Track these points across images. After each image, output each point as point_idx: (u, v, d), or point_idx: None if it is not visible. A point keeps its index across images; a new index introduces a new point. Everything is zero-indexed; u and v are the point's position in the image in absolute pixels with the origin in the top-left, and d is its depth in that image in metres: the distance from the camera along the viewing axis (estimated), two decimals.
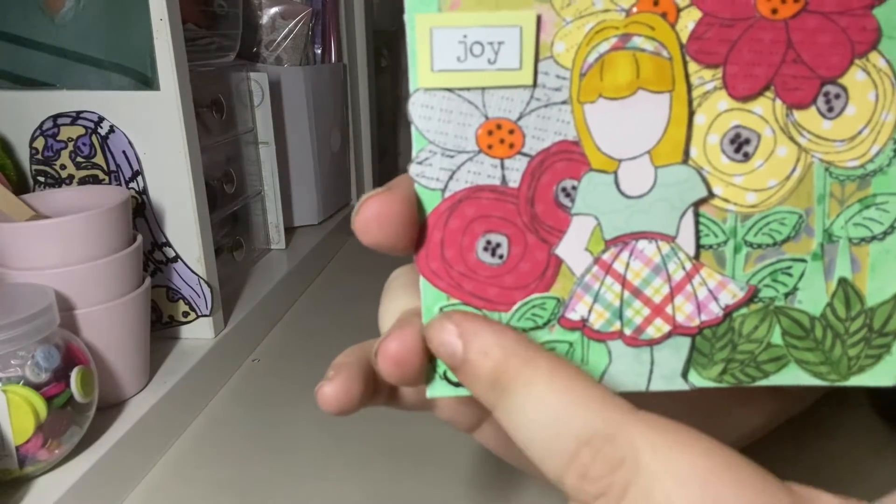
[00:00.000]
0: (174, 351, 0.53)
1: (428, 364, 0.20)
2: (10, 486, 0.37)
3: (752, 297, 0.19)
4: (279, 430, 0.49)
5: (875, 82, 0.18)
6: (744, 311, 0.19)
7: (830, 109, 0.18)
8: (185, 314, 0.55)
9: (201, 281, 0.53)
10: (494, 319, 0.19)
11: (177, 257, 0.53)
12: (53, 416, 0.37)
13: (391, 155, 1.31)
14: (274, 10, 0.79)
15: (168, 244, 0.53)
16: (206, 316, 0.54)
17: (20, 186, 0.52)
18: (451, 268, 0.19)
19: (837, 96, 0.18)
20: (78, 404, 0.39)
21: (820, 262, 0.19)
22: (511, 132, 0.18)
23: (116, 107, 0.50)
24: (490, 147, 0.18)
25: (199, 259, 0.53)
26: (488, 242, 0.19)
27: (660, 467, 0.16)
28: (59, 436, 0.38)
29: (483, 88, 0.18)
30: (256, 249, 0.74)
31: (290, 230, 0.82)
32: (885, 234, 0.19)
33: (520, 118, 0.18)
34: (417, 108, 0.18)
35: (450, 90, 0.18)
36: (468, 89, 0.18)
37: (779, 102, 0.18)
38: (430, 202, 0.19)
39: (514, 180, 0.19)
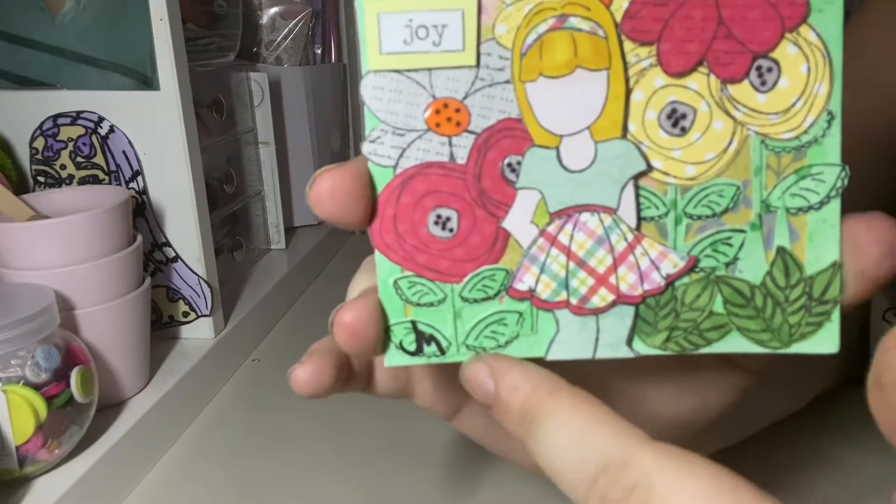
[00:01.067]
0: (174, 351, 0.53)
1: (384, 334, 0.21)
2: (10, 486, 0.37)
3: (692, 266, 0.20)
4: (279, 430, 0.49)
5: (806, 55, 0.18)
6: (686, 280, 0.20)
7: (763, 83, 0.18)
8: (185, 314, 0.55)
9: (201, 281, 0.53)
10: (447, 291, 0.20)
11: (177, 257, 0.53)
12: (53, 416, 0.37)
13: None
14: (274, 10, 0.79)
15: (168, 244, 0.53)
16: (206, 316, 0.54)
17: (20, 186, 0.52)
18: (405, 241, 0.20)
19: (770, 70, 0.18)
20: (78, 404, 0.39)
21: (759, 232, 0.19)
22: (457, 111, 0.19)
23: (116, 107, 0.50)
24: (438, 125, 0.19)
25: (199, 259, 0.53)
26: (438, 216, 0.20)
27: (669, 491, 0.17)
28: (59, 436, 0.38)
29: (430, 70, 0.19)
30: (256, 249, 0.74)
31: (290, 230, 0.82)
32: (822, 203, 0.19)
33: (465, 97, 0.19)
34: (368, 90, 0.19)
35: (398, 72, 0.19)
36: (416, 70, 0.19)
37: (713, 77, 0.18)
38: (383, 179, 0.20)
39: (462, 157, 0.19)
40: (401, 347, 0.21)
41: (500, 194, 0.20)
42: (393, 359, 0.21)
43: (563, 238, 0.20)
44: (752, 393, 0.27)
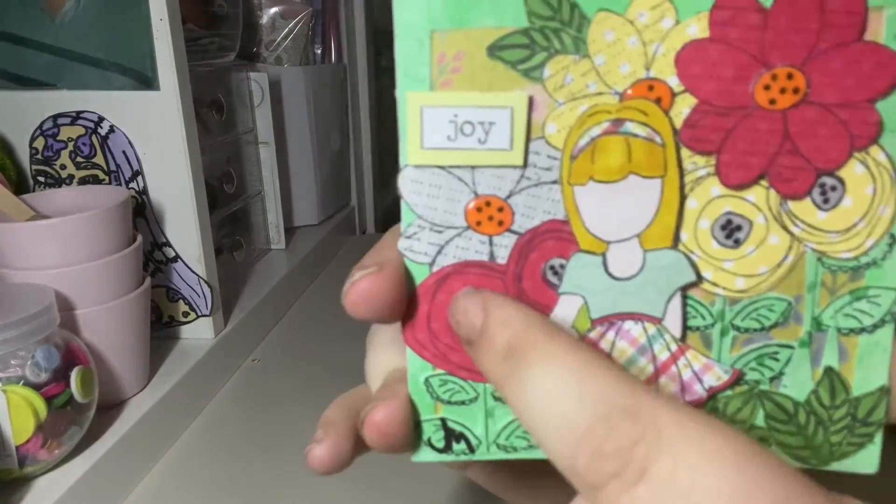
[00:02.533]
0: (174, 351, 0.53)
1: (413, 431, 0.20)
2: (10, 486, 0.37)
3: (736, 380, 0.19)
4: (279, 430, 0.49)
5: (873, 176, 0.17)
6: (728, 392, 0.19)
7: (826, 201, 0.18)
8: (185, 314, 0.55)
9: (201, 281, 0.53)
10: (479, 391, 0.20)
11: (177, 257, 0.53)
12: (53, 416, 0.37)
13: (391, 155, 1.31)
14: (274, 10, 0.79)
15: (168, 244, 0.53)
16: (206, 316, 0.54)
17: (20, 186, 0.52)
18: (438, 339, 0.19)
19: (834, 188, 0.18)
20: (78, 404, 0.39)
21: (807, 349, 0.19)
22: (500, 210, 0.18)
23: (116, 107, 0.50)
24: (479, 223, 0.18)
25: (199, 259, 0.53)
26: None
27: (686, 445, 0.14)
28: (59, 436, 0.38)
29: (473, 167, 0.18)
30: (256, 249, 0.74)
31: (290, 230, 0.82)
32: (875, 326, 0.19)
33: (509, 196, 0.18)
34: (407, 184, 0.18)
35: (440, 167, 0.18)
36: (458, 167, 0.18)
37: (773, 192, 0.18)
38: (419, 275, 0.19)
39: (503, 257, 0.19)
40: (429, 444, 0.20)
41: (540, 297, 0.19)
42: (422, 455, 0.20)
43: (605, 345, 0.19)
44: None
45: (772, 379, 0.19)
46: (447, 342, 0.19)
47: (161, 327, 0.55)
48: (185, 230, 0.52)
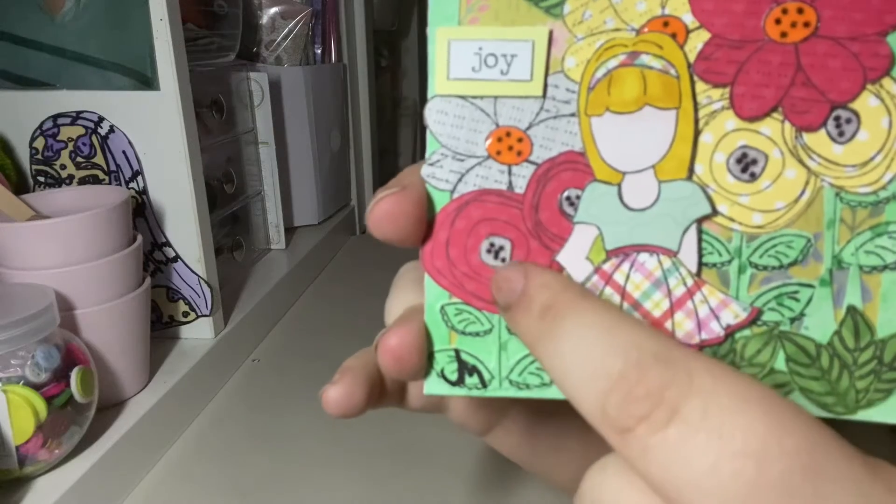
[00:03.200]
0: (174, 351, 0.53)
1: (427, 361, 0.20)
2: (10, 486, 0.37)
3: (755, 318, 0.19)
4: (279, 430, 0.49)
5: (889, 109, 0.17)
6: (746, 332, 0.19)
7: (841, 134, 0.18)
8: (185, 314, 0.55)
9: (201, 281, 0.53)
10: (494, 322, 0.20)
11: (177, 257, 0.53)
12: (53, 416, 0.37)
13: (391, 155, 1.31)
14: (274, 10, 0.79)
15: (168, 244, 0.53)
16: (206, 316, 0.54)
17: (20, 186, 0.52)
18: (455, 267, 0.20)
19: (849, 121, 0.18)
20: (78, 404, 0.39)
21: (828, 288, 0.19)
22: (520, 140, 0.19)
23: (116, 107, 0.50)
24: (499, 153, 0.19)
25: (199, 259, 0.53)
26: (492, 245, 0.19)
27: (717, 388, 0.14)
28: (59, 436, 0.38)
29: (495, 97, 0.19)
30: (256, 249, 0.74)
31: (290, 230, 0.82)
32: None
33: (529, 127, 0.19)
34: (433, 114, 0.19)
35: (463, 97, 0.19)
36: (481, 97, 0.19)
37: (788, 124, 0.18)
38: (440, 202, 0.19)
39: (521, 186, 0.19)
40: (442, 376, 0.20)
41: (556, 227, 0.19)
42: (433, 387, 0.20)
43: (619, 277, 0.19)
44: None
45: (792, 320, 0.19)
46: (464, 270, 0.20)
47: (161, 327, 0.55)
48: (185, 230, 0.52)
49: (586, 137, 0.18)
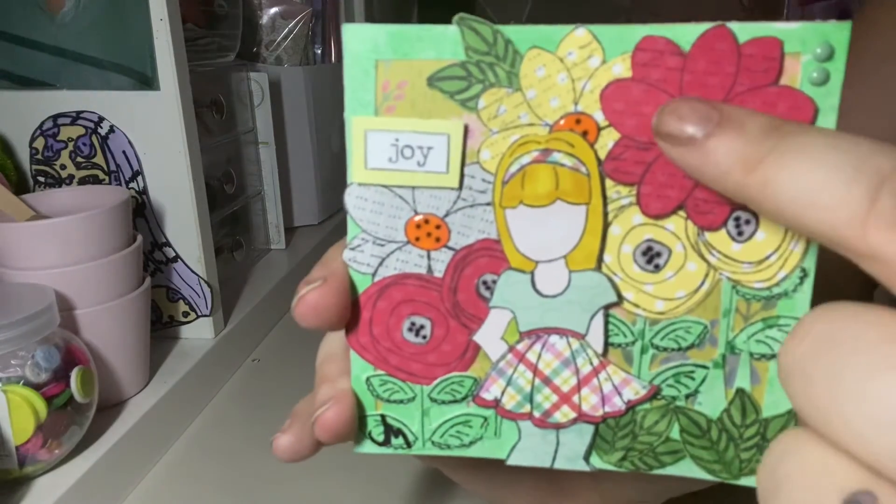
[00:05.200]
0: (174, 351, 0.53)
1: (357, 423, 0.22)
2: (10, 486, 0.37)
3: (654, 395, 0.20)
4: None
5: None
6: (647, 406, 0.20)
7: (740, 233, 0.19)
8: (185, 314, 0.55)
9: (201, 281, 0.53)
10: (416, 391, 0.21)
11: (177, 257, 0.53)
12: (53, 416, 0.37)
13: None
14: (274, 10, 0.79)
15: (168, 244, 0.53)
16: (206, 316, 0.54)
17: (20, 186, 0.52)
18: (378, 343, 0.21)
19: (748, 222, 0.19)
20: (78, 404, 0.39)
21: (721, 370, 0.20)
22: (438, 227, 0.20)
23: (116, 107, 0.50)
24: (418, 239, 0.20)
25: (199, 259, 0.53)
26: (413, 324, 0.21)
27: None
28: (59, 436, 0.38)
29: (413, 187, 0.19)
30: (256, 249, 0.74)
31: (290, 230, 0.82)
32: None
33: (447, 215, 0.20)
34: (353, 199, 0.20)
35: (383, 185, 0.19)
36: (400, 186, 0.19)
37: (690, 222, 0.19)
38: (361, 284, 0.20)
39: (439, 270, 0.20)
40: (370, 437, 0.22)
41: (473, 309, 0.20)
42: (363, 447, 0.22)
43: (531, 356, 0.20)
44: None
45: (687, 396, 0.20)
46: (387, 346, 0.21)
47: (161, 327, 0.55)
48: (185, 230, 0.52)
49: (501, 228, 0.19)
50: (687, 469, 0.21)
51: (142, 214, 0.52)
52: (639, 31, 0.17)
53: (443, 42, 0.18)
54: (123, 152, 0.51)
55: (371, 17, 0.95)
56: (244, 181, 0.73)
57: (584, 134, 0.18)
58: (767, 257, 0.19)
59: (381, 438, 0.22)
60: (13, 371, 0.36)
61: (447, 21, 0.18)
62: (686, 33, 0.17)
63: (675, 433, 0.20)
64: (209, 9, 0.64)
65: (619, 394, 0.20)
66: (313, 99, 0.82)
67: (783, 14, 1.23)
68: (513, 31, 0.18)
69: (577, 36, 0.18)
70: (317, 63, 0.86)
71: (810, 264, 0.18)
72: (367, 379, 0.21)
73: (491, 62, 0.18)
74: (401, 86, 0.19)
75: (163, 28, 0.47)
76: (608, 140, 0.18)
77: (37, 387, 0.37)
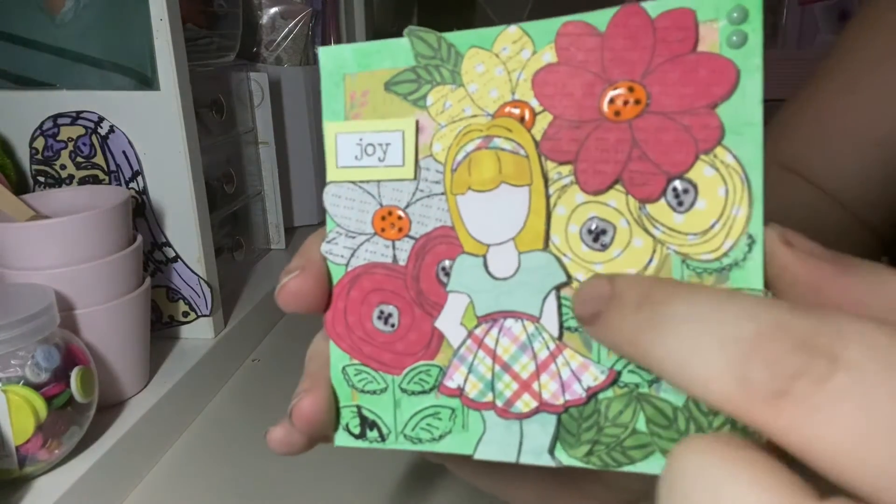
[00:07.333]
0: (174, 351, 0.53)
1: (335, 416, 0.22)
2: (10, 486, 0.37)
3: (613, 380, 0.20)
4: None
5: (724, 177, 0.18)
6: (609, 394, 0.20)
7: (680, 203, 0.19)
8: (185, 314, 0.55)
9: (201, 281, 0.53)
10: (388, 381, 0.22)
11: (177, 257, 0.53)
12: (53, 416, 0.37)
13: None
14: (274, 10, 0.79)
15: (168, 244, 0.53)
16: (206, 316, 0.54)
17: (20, 186, 0.52)
18: (353, 332, 0.22)
19: (686, 191, 0.18)
20: (78, 404, 0.39)
21: None
22: (400, 218, 0.21)
23: (116, 107, 0.50)
24: (383, 230, 0.21)
25: (199, 259, 0.53)
26: (381, 312, 0.22)
27: (872, 328, 0.12)
28: (59, 436, 0.38)
29: (378, 181, 0.21)
30: (256, 249, 0.74)
31: (290, 230, 0.82)
32: None
33: (407, 206, 0.21)
34: (329, 197, 0.22)
35: (353, 182, 0.21)
36: (367, 182, 0.21)
37: (631, 196, 0.19)
38: (336, 274, 0.22)
39: (403, 259, 0.21)
40: (347, 430, 0.22)
41: (435, 295, 0.21)
42: (340, 439, 0.22)
43: (489, 341, 0.21)
44: None
45: (650, 382, 0.20)
46: (360, 335, 0.22)
47: (161, 327, 0.55)
48: (185, 230, 0.52)
49: (454, 214, 0.21)
50: (658, 466, 0.20)
51: (142, 214, 0.52)
52: (562, 21, 0.19)
53: (397, 52, 0.20)
54: (123, 152, 0.51)
55: (371, 18, 0.95)
56: (244, 181, 0.73)
57: (522, 120, 0.19)
58: (712, 226, 0.18)
59: (357, 431, 0.22)
60: (13, 371, 0.36)
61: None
62: (602, 15, 0.18)
63: (641, 424, 0.20)
64: (209, 9, 0.64)
65: (579, 380, 0.20)
66: (313, 99, 0.82)
67: (783, 14, 1.24)
68: (454, 36, 0.20)
69: (510, 32, 0.19)
70: (317, 63, 0.86)
71: (756, 230, 0.18)
72: (343, 368, 0.22)
73: (437, 64, 0.20)
74: (365, 94, 0.21)
75: (163, 28, 0.47)
76: (544, 123, 0.19)
77: (37, 387, 0.37)
